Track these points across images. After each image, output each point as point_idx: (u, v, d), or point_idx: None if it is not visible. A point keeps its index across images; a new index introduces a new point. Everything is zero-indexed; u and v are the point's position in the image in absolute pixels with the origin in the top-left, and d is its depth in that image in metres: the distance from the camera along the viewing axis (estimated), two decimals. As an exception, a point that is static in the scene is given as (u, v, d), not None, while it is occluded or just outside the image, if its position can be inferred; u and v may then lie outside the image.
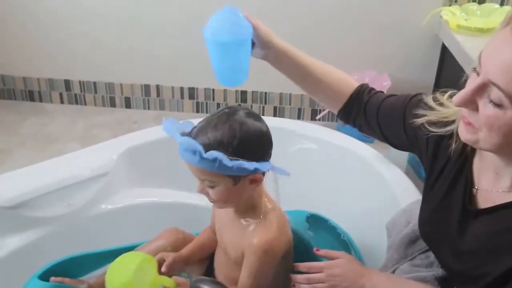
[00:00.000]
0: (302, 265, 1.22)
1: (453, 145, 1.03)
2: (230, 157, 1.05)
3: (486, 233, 0.95)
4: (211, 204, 1.22)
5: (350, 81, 1.29)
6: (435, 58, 2.46)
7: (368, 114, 1.24)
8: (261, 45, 1.24)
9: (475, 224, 0.98)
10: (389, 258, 1.25)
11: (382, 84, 2.41)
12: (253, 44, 1.23)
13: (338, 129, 2.36)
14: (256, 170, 1.08)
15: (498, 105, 0.83)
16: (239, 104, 2.67)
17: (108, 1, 2.53)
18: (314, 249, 1.30)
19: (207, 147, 1.05)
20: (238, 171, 1.07)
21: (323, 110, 2.51)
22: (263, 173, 1.16)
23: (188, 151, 1.07)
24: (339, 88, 1.28)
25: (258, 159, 1.10)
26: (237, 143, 1.08)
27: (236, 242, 1.21)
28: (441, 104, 1.07)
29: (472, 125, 0.89)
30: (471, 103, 0.88)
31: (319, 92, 1.31)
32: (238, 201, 1.17)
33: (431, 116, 1.06)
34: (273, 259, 1.17)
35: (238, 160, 1.06)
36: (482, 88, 0.85)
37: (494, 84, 0.83)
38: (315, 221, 1.53)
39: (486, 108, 0.85)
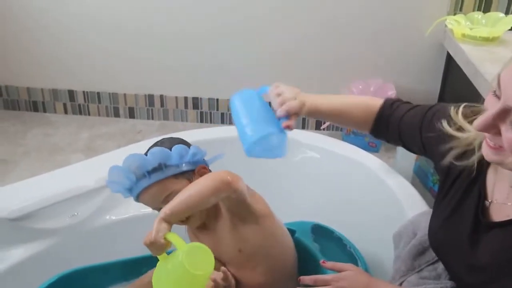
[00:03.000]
0: (308, 278, 1.21)
1: (470, 159, 1.02)
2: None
3: (500, 247, 0.94)
4: None
5: (375, 103, 1.29)
6: (440, 67, 2.45)
7: (391, 129, 1.25)
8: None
9: (488, 237, 0.97)
10: (396, 270, 1.24)
11: (387, 93, 2.40)
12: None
13: (343, 139, 2.36)
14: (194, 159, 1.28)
15: None
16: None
17: (112, 12, 2.54)
18: (321, 261, 1.29)
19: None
20: (178, 158, 1.24)
21: (328, 120, 2.51)
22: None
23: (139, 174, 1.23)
24: (366, 113, 1.29)
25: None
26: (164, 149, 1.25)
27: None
28: (459, 129, 1.05)
29: (497, 147, 0.88)
30: (492, 127, 0.86)
31: (349, 124, 1.37)
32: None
33: (456, 147, 1.04)
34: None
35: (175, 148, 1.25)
36: (504, 114, 0.84)
37: None
38: (320, 231, 1.52)
39: (508, 133, 0.84)
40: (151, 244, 1.05)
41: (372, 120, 1.27)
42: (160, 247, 1.05)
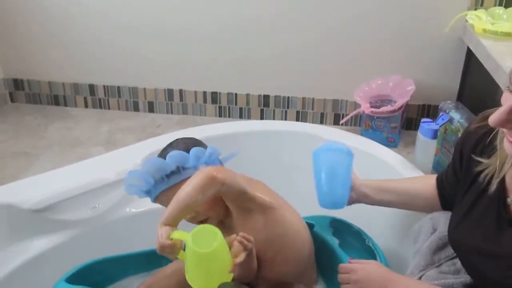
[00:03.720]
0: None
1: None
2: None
3: None
4: None
5: (428, 184, 1.36)
6: (460, 63, 2.43)
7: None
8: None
9: (510, 232, 0.97)
10: (415, 264, 1.24)
11: (406, 88, 2.39)
12: None
13: (362, 134, 2.35)
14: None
15: None
16: (261, 110, 2.68)
17: (132, 9, 2.55)
18: (349, 258, 1.33)
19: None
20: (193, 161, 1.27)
21: (347, 115, 2.50)
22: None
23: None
24: (427, 202, 1.35)
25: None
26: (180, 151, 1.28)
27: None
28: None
29: None
30: (508, 122, 0.86)
31: (414, 208, 1.41)
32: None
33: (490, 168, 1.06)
34: None
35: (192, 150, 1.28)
36: None
37: None
38: (339, 226, 1.52)
39: None
40: (162, 249, 1.08)
41: (438, 203, 1.32)
42: (170, 249, 1.07)
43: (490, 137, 1.05)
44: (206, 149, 1.29)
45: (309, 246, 1.36)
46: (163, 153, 1.31)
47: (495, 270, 0.99)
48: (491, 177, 1.03)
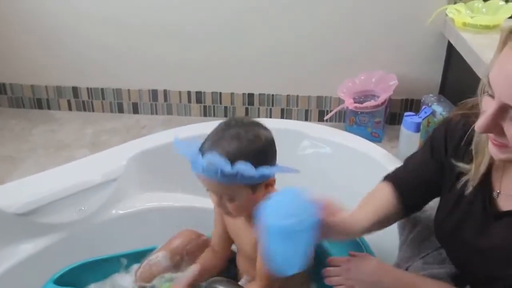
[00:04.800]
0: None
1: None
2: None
3: (508, 235, 0.95)
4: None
5: (385, 195, 1.23)
6: (442, 57, 2.46)
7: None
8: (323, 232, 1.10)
9: (497, 226, 0.98)
10: (401, 256, 1.25)
11: (389, 83, 2.41)
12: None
13: (347, 130, 2.37)
14: (272, 175, 1.13)
15: None
16: (246, 108, 2.68)
17: (114, 7, 2.55)
18: (349, 252, 1.28)
19: (230, 161, 1.07)
20: (260, 179, 1.10)
21: (331, 111, 2.51)
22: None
23: (209, 169, 1.06)
24: (388, 210, 1.21)
25: (272, 163, 1.15)
26: (257, 152, 1.11)
27: (254, 239, 1.22)
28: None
29: (503, 145, 0.89)
30: (494, 127, 0.87)
31: (383, 225, 1.24)
32: (256, 205, 1.18)
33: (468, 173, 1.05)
34: None
35: (259, 168, 1.08)
36: (502, 111, 0.85)
37: (511, 107, 0.83)
38: (326, 221, 1.52)
39: (511, 129, 0.85)
40: None
41: (399, 207, 1.21)
42: None
43: (465, 138, 1.06)
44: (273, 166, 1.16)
45: None
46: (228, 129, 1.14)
47: (482, 263, 1.00)
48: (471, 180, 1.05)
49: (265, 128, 1.18)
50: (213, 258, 1.38)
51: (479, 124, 0.88)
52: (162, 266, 1.38)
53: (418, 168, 1.19)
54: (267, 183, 1.17)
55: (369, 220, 1.16)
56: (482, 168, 1.01)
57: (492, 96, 0.86)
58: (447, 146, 1.12)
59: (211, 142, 1.12)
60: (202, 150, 1.12)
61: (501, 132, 0.87)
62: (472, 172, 1.03)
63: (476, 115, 0.93)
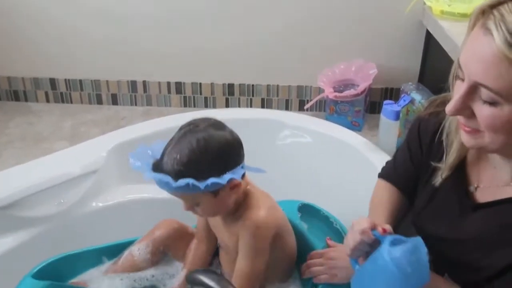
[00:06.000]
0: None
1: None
2: (200, 177, 1.06)
3: (487, 226, 0.96)
4: None
5: (390, 194, 1.28)
6: (420, 45, 2.47)
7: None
8: None
9: (475, 217, 0.99)
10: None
11: (369, 72, 2.42)
12: None
13: (327, 119, 2.37)
14: (230, 180, 1.10)
15: (493, 103, 0.83)
16: (226, 98, 2.67)
17: (91, -2, 2.52)
18: (327, 238, 1.37)
19: (177, 175, 1.07)
20: (213, 187, 1.08)
21: (311, 100, 2.51)
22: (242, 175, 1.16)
23: (161, 182, 1.09)
24: (399, 206, 1.26)
25: (230, 168, 1.11)
26: (204, 161, 1.09)
27: (234, 236, 1.22)
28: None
29: (474, 130, 0.89)
30: (464, 109, 0.87)
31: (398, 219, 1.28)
32: (227, 207, 1.19)
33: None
34: (266, 232, 1.20)
35: (208, 178, 1.06)
36: (472, 92, 0.85)
37: (481, 85, 0.82)
38: (307, 210, 1.53)
39: (482, 110, 0.85)
40: None
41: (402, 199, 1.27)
42: None
43: (437, 136, 1.08)
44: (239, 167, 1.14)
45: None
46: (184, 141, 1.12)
47: (460, 255, 1.01)
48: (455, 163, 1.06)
49: (226, 130, 1.16)
50: (199, 251, 1.39)
51: (450, 106, 0.88)
52: (143, 257, 1.38)
53: (404, 163, 1.24)
54: (231, 186, 1.15)
55: (391, 224, 1.17)
56: (452, 158, 1.03)
57: (462, 79, 0.87)
58: (422, 145, 1.15)
59: (166, 153, 1.12)
60: (154, 163, 1.13)
61: (471, 115, 0.87)
62: (444, 162, 1.04)
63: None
